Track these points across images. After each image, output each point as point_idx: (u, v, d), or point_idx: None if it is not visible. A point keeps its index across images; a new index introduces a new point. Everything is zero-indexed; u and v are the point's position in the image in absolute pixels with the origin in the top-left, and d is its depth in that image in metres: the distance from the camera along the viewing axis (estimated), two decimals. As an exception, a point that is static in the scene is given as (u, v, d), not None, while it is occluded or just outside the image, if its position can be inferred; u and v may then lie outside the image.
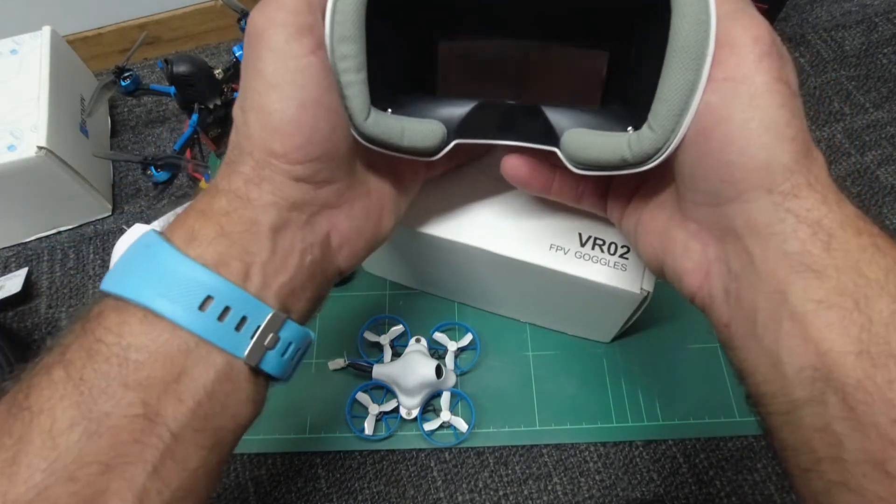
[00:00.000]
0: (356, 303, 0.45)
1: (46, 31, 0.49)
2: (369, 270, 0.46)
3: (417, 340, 0.42)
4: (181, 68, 0.48)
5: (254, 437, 0.40)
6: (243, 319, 0.20)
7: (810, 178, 0.19)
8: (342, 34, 0.23)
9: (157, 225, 0.41)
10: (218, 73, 0.50)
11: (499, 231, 0.34)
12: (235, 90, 0.51)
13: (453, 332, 0.43)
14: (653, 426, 0.39)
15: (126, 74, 0.51)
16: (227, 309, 0.20)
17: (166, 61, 0.48)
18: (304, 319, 0.24)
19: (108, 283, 0.20)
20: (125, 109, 0.59)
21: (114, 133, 0.57)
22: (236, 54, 0.52)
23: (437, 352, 0.42)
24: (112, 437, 0.17)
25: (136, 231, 0.40)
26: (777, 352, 0.19)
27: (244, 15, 0.51)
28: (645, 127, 0.22)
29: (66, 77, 0.50)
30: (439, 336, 0.42)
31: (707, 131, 0.20)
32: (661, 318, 0.42)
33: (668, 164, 0.23)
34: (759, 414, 0.21)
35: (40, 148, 0.43)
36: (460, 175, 0.37)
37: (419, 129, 0.26)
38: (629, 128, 0.24)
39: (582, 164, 0.25)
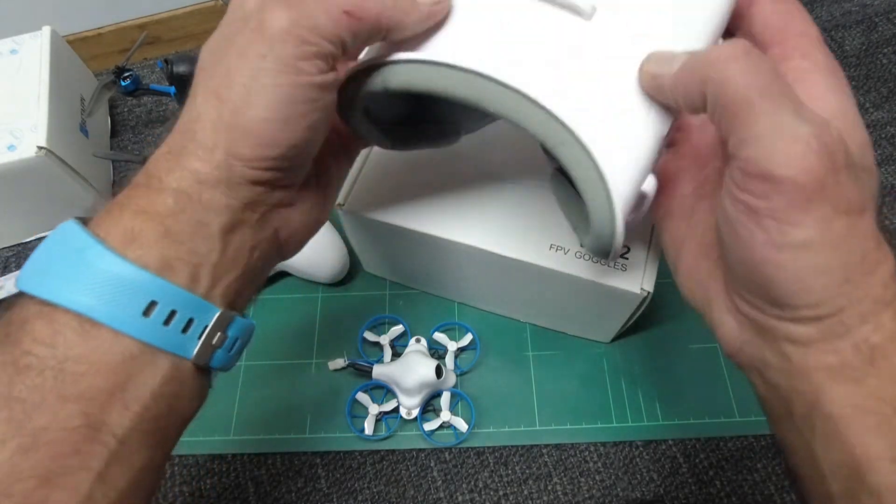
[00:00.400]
0: (356, 303, 0.45)
1: (46, 31, 0.49)
2: (369, 270, 0.46)
3: (417, 340, 0.42)
4: (181, 68, 0.48)
5: (254, 437, 0.40)
6: (190, 321, 0.20)
7: (865, 299, 0.18)
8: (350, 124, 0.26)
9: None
10: None
11: (499, 231, 0.34)
12: None
13: (453, 332, 0.43)
14: (653, 426, 0.39)
15: (126, 74, 0.51)
16: (173, 313, 0.19)
17: (166, 61, 0.48)
18: (245, 308, 0.23)
19: (31, 285, 0.18)
20: (125, 109, 0.59)
21: (114, 133, 0.57)
22: None
23: (437, 352, 0.42)
24: (50, 451, 0.17)
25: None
26: (812, 445, 0.19)
27: None
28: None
29: (66, 77, 0.50)
30: (439, 336, 0.42)
31: (751, 262, 0.19)
32: (661, 318, 0.42)
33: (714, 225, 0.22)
34: (796, 488, 0.21)
35: (40, 148, 0.43)
36: (460, 176, 0.37)
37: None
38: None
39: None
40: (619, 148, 0.21)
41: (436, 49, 0.23)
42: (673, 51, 0.21)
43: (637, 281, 0.32)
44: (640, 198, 0.22)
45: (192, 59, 0.48)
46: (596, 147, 0.21)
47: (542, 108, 0.21)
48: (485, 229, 0.34)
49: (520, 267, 0.34)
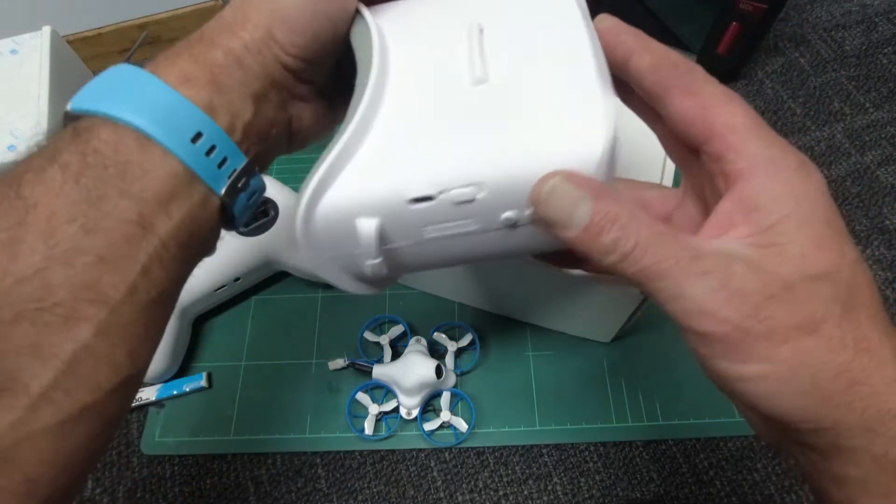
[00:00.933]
0: (356, 303, 0.45)
1: (46, 31, 0.49)
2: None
3: (417, 340, 0.42)
4: None
5: (254, 437, 0.40)
6: (224, 159, 0.22)
7: (867, 410, 0.17)
8: None
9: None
10: None
11: None
12: None
13: (453, 332, 0.43)
14: (653, 426, 0.39)
15: None
16: (213, 147, 0.21)
17: None
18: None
19: (92, 103, 0.21)
20: (125, 109, 0.59)
21: (114, 133, 0.57)
22: None
23: (437, 352, 0.42)
24: (108, 236, 0.19)
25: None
26: None
27: None
28: None
29: (66, 77, 0.50)
30: (439, 336, 0.42)
31: (727, 389, 0.19)
32: (661, 318, 0.42)
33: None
34: None
35: (40, 148, 0.43)
36: None
37: None
38: None
39: None
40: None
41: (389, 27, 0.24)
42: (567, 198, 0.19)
43: None
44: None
45: None
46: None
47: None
48: None
49: (519, 267, 0.34)
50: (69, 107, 0.21)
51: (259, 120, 0.23)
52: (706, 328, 0.17)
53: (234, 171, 0.22)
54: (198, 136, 0.21)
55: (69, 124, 0.21)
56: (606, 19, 0.22)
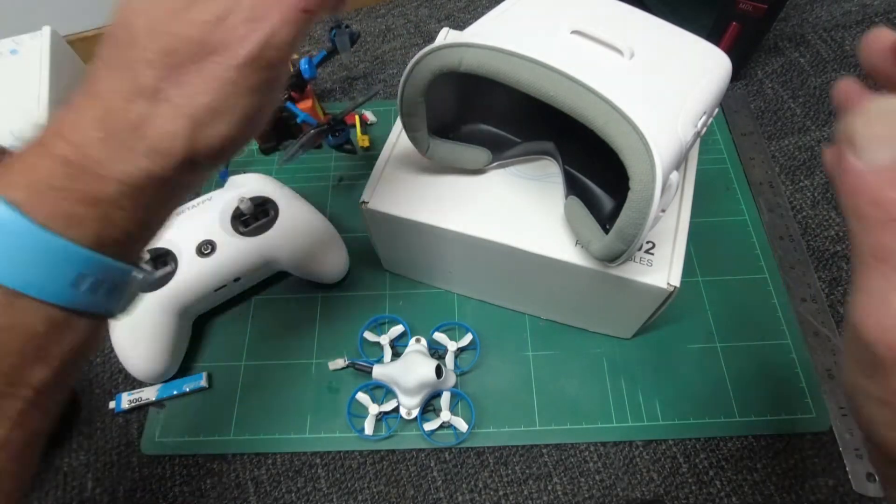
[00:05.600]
0: (356, 303, 0.45)
1: (46, 31, 0.49)
2: (389, 269, 0.46)
3: (417, 340, 0.42)
4: None
5: (254, 437, 0.40)
6: (114, 286, 0.21)
7: None
8: (408, 111, 0.32)
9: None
10: None
11: (525, 228, 0.35)
12: (293, 98, 0.50)
13: (453, 332, 0.43)
14: (653, 426, 0.39)
15: None
16: (100, 282, 0.20)
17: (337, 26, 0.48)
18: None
19: None
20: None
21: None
22: (302, 66, 0.50)
23: (437, 352, 0.42)
24: None
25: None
26: None
27: (337, 25, 0.51)
28: (608, 237, 0.29)
29: (66, 77, 0.50)
30: (439, 336, 0.42)
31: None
32: (661, 318, 0.42)
33: None
34: None
35: (40, 148, 0.43)
36: (488, 175, 0.37)
37: (470, 156, 0.36)
38: (607, 226, 0.31)
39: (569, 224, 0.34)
40: (659, 134, 0.26)
41: (507, 44, 0.28)
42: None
43: (663, 276, 0.33)
44: (668, 186, 0.26)
45: None
46: (644, 128, 0.25)
47: (603, 98, 0.26)
48: (511, 226, 0.35)
49: (546, 263, 0.34)
50: None
51: (155, 218, 0.22)
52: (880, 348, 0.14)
53: (128, 291, 0.22)
54: (80, 278, 0.19)
55: None
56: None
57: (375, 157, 0.39)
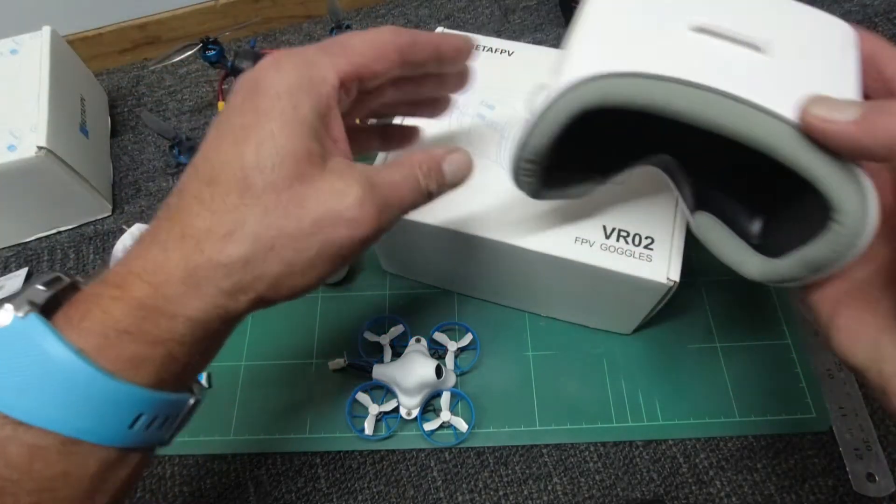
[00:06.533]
0: (356, 303, 0.45)
1: (46, 31, 0.49)
2: (389, 270, 0.46)
3: (417, 340, 0.42)
4: (244, 65, 0.48)
5: (254, 437, 0.40)
6: (166, 418, 0.21)
7: None
8: (530, 157, 0.27)
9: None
10: None
11: (524, 226, 0.35)
12: None
13: (453, 332, 0.43)
14: (653, 426, 0.39)
15: (212, 45, 0.50)
16: (154, 419, 0.20)
17: (236, 54, 0.48)
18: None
19: (10, 405, 0.18)
20: (125, 110, 0.59)
21: (114, 133, 0.57)
22: None
23: (437, 352, 0.42)
24: None
25: (136, 231, 0.40)
26: None
27: (337, 25, 0.51)
28: (783, 262, 0.24)
29: (66, 77, 0.50)
30: (439, 336, 0.42)
31: None
32: (661, 317, 0.42)
33: (887, 272, 0.22)
34: None
35: (40, 148, 0.43)
36: (482, 172, 0.36)
37: (582, 191, 0.32)
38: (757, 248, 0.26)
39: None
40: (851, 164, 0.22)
41: (655, 67, 0.23)
42: (835, 97, 0.20)
43: (663, 271, 0.33)
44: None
45: (257, 59, 0.48)
46: (843, 163, 0.21)
47: (781, 118, 0.21)
48: (509, 224, 0.35)
49: (546, 261, 0.34)
50: None
51: (213, 352, 0.23)
52: None
53: (179, 419, 0.21)
54: (137, 418, 0.19)
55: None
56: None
57: (374, 158, 0.39)
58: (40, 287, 0.20)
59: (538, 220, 0.35)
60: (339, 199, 0.21)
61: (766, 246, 0.27)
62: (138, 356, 0.19)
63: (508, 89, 0.40)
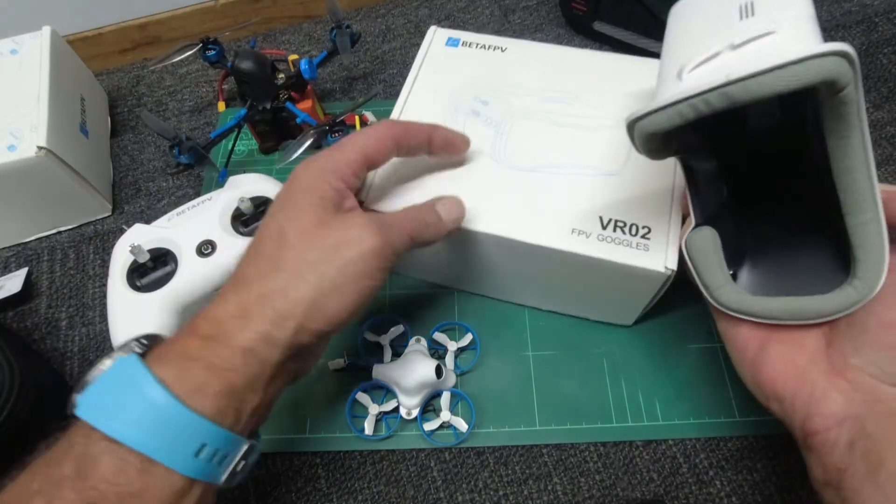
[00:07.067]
0: (356, 303, 0.45)
1: (46, 31, 0.49)
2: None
3: (417, 340, 0.42)
4: (243, 65, 0.48)
5: (254, 437, 0.40)
6: (226, 456, 0.23)
7: None
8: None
9: (162, 223, 0.41)
10: (280, 78, 0.50)
11: (520, 219, 0.35)
12: (293, 99, 0.50)
13: (453, 332, 0.43)
14: (653, 426, 0.39)
15: (212, 46, 0.50)
16: (216, 451, 0.23)
17: (236, 54, 0.48)
18: (258, 427, 0.28)
19: (96, 418, 0.21)
20: (125, 110, 0.59)
21: (114, 133, 0.57)
22: (302, 67, 0.50)
23: (437, 352, 0.42)
24: None
25: (136, 232, 0.40)
26: None
27: (337, 25, 0.51)
28: (850, 287, 0.26)
29: (66, 77, 0.50)
30: (439, 336, 0.42)
31: None
32: (661, 317, 0.43)
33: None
34: None
35: (40, 148, 0.43)
36: (476, 165, 0.37)
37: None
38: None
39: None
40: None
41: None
42: None
43: (660, 260, 0.33)
44: None
45: (257, 59, 0.48)
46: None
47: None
48: (505, 217, 0.35)
49: (543, 253, 0.34)
50: (76, 410, 0.22)
51: (268, 398, 0.25)
52: None
53: (235, 459, 0.24)
54: (202, 448, 0.22)
55: (73, 435, 0.22)
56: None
57: None
58: (141, 340, 0.25)
59: (534, 213, 0.35)
60: (348, 228, 0.26)
61: (748, 282, 0.30)
62: (203, 384, 0.22)
63: (503, 85, 0.41)
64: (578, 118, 0.39)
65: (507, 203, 0.36)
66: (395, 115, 0.40)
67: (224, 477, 0.24)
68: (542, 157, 0.38)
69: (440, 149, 0.34)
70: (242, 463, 0.24)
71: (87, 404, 0.22)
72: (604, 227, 0.34)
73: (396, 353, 0.42)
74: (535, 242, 0.34)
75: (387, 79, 0.60)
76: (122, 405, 0.21)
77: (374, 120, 0.55)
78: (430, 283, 0.45)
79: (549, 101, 0.40)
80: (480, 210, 0.35)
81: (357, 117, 0.53)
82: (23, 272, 0.47)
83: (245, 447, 0.24)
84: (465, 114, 0.40)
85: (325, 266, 0.25)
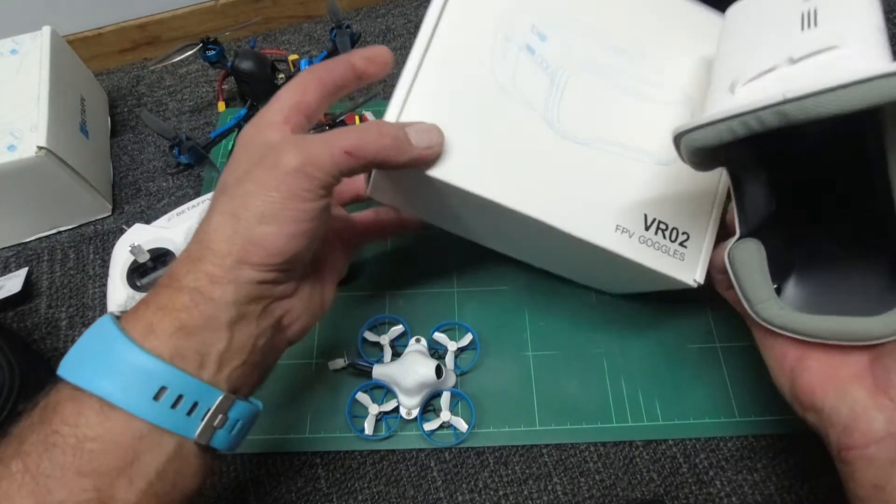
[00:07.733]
0: (356, 303, 0.45)
1: (46, 31, 0.49)
2: (407, 209, 0.38)
3: (417, 340, 0.42)
4: (243, 65, 0.48)
5: (254, 438, 0.40)
6: (195, 404, 0.23)
7: None
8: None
9: (162, 223, 0.41)
10: (280, 77, 0.50)
11: (562, 202, 0.31)
12: None
13: (453, 332, 0.43)
14: (653, 426, 0.39)
15: (212, 46, 0.50)
16: (180, 397, 0.22)
17: (236, 54, 0.48)
18: (252, 391, 0.27)
19: (66, 371, 0.22)
20: (125, 110, 0.59)
21: (114, 133, 0.57)
22: (302, 67, 0.49)
23: (437, 352, 0.42)
24: None
25: (136, 232, 0.40)
26: None
27: (337, 25, 0.51)
28: None
29: (66, 77, 0.50)
30: (439, 336, 0.42)
31: None
32: (661, 318, 0.43)
33: None
34: None
35: (40, 148, 0.43)
36: (523, 129, 0.31)
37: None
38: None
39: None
40: None
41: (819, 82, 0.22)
42: None
43: (693, 272, 0.32)
44: None
45: (257, 59, 0.48)
46: None
47: None
48: (546, 197, 0.30)
49: (580, 244, 0.32)
50: (58, 371, 0.22)
51: (236, 343, 0.24)
52: None
53: (208, 411, 0.23)
54: (161, 390, 0.22)
55: (47, 394, 0.22)
56: None
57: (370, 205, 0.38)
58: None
59: (581, 200, 0.31)
60: (267, 157, 0.25)
61: (793, 296, 0.29)
62: (152, 323, 0.22)
63: (569, 16, 0.32)
64: (643, 84, 0.33)
65: (551, 180, 0.31)
66: (418, 47, 0.31)
67: (198, 430, 0.23)
68: (600, 130, 0.32)
69: (365, 69, 0.30)
70: (220, 416, 0.23)
71: (64, 363, 0.22)
72: (647, 228, 0.32)
73: (396, 353, 0.42)
74: (575, 234, 0.31)
75: (386, 79, 0.60)
76: (90, 356, 0.22)
77: (373, 119, 0.55)
78: (430, 281, 0.45)
79: (614, 53, 0.33)
80: (521, 184, 0.30)
81: (357, 117, 0.53)
82: (23, 272, 0.47)
83: (219, 398, 0.23)
84: (519, 47, 0.31)
85: (251, 198, 0.24)
